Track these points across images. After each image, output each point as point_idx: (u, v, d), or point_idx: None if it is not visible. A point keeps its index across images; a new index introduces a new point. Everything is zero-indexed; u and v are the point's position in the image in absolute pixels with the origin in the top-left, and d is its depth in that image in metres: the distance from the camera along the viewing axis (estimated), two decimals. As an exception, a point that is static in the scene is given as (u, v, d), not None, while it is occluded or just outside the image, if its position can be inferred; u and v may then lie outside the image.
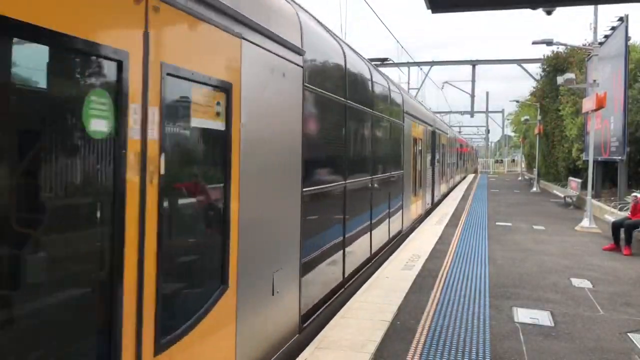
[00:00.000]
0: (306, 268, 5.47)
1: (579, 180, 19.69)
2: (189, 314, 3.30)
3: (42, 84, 2.36)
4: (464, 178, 42.82)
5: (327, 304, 6.27)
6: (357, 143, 7.92)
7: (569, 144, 25.66)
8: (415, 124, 13.97)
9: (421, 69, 37.86)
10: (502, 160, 77.67)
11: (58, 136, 2.40)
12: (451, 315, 6.20)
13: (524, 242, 11.70)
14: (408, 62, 35.49)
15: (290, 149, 5.06)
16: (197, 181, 3.58)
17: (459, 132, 62.75)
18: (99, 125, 2.51)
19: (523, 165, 53.93)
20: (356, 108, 7.66)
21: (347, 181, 7.13)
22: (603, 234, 12.73)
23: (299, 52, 5.14)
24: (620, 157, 17.55)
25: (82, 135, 2.45)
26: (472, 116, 47.78)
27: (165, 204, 2.99)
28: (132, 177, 2.70)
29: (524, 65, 33.91)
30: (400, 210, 11.70)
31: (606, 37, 19.30)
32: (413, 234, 12.52)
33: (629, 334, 5.74)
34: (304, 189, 5.37)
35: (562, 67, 28.00)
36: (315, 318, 5.75)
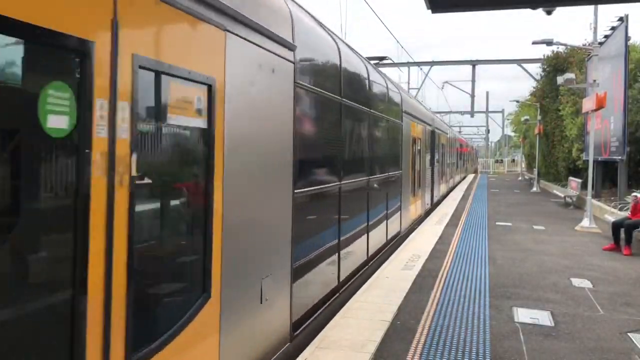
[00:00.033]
0: (298, 273, 5.24)
1: (579, 180, 19.70)
2: (166, 327, 3.09)
3: None
4: (464, 178, 42.80)
5: (320, 310, 6.03)
6: (353, 143, 7.67)
7: (569, 144, 25.68)
8: (414, 123, 13.87)
9: (421, 68, 37.92)
10: (502, 160, 77.60)
11: (7, 134, 2.19)
12: (451, 315, 6.20)
13: (524, 242, 11.70)
14: (408, 62, 35.54)
15: (281, 149, 4.84)
16: (175, 182, 3.39)
17: (459, 132, 62.76)
18: (58, 122, 2.30)
19: (523, 165, 53.96)
20: (352, 107, 7.45)
21: (342, 182, 6.93)
22: (603, 234, 12.72)
23: (289, 47, 4.90)
24: (620, 157, 17.56)
25: (38, 133, 2.23)
26: (472, 116, 47.88)
27: (138, 207, 2.79)
28: (98, 179, 2.49)
29: (524, 65, 33.95)
30: (399, 212, 11.57)
31: (606, 37, 19.31)
32: (413, 234, 12.50)
33: (629, 333, 5.74)
34: (296, 191, 5.15)
35: (562, 67, 28.01)
36: (307, 325, 5.54)
